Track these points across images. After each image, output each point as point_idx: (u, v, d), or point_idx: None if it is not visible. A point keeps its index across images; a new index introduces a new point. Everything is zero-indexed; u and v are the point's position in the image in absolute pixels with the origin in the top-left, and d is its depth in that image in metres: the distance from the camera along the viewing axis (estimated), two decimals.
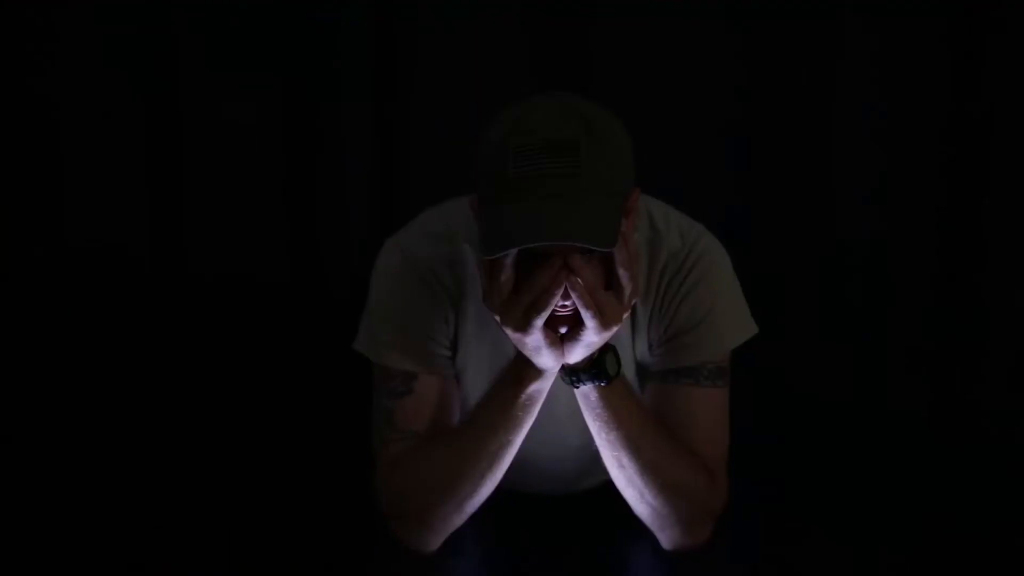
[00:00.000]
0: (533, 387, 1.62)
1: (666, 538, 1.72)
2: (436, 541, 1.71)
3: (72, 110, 2.30)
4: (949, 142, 2.29)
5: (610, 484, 1.72)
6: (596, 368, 1.60)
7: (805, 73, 2.29)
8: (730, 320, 1.72)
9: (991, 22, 2.25)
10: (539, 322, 1.52)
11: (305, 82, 2.31)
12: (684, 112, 2.31)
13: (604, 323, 1.53)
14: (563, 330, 1.56)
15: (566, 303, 1.53)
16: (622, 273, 1.53)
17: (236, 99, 2.29)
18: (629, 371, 1.74)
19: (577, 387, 1.63)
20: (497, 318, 1.54)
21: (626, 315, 1.56)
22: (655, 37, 2.30)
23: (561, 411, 1.74)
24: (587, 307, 1.51)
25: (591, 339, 1.55)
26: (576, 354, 1.57)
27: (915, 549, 2.36)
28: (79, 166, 2.31)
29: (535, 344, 1.55)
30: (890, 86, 2.29)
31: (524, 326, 1.52)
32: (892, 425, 2.37)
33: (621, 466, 1.66)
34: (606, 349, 1.60)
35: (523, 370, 1.61)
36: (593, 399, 1.63)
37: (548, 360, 1.58)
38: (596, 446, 1.68)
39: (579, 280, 1.50)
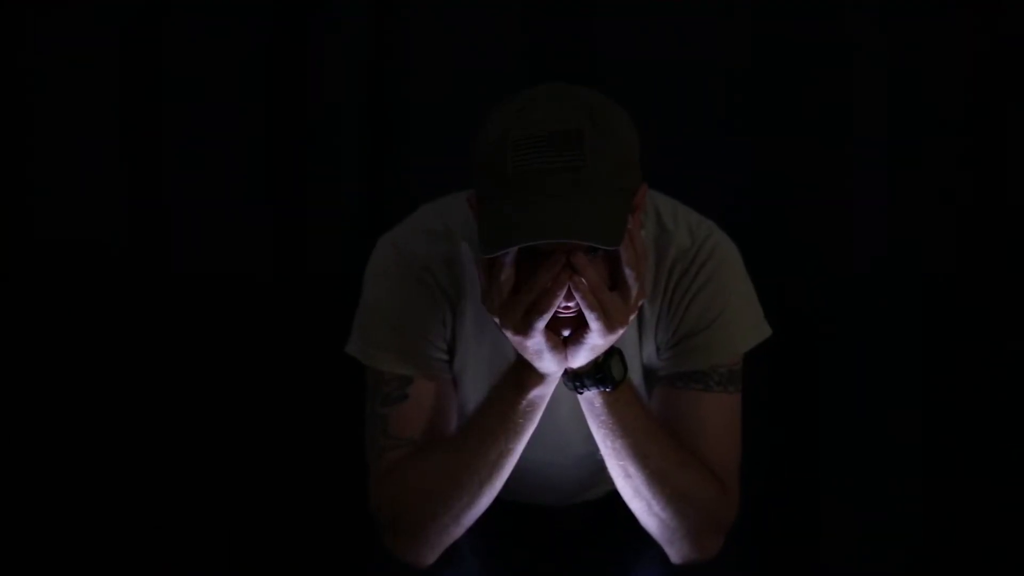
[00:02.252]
0: (534, 392, 1.58)
1: (675, 551, 1.68)
2: (432, 554, 1.67)
3: (46, 99, 2.27)
4: (968, 142, 2.28)
5: (615, 495, 1.68)
6: (601, 372, 1.55)
7: (818, 67, 2.28)
8: (742, 321, 1.68)
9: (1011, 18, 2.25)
10: (540, 324, 1.48)
11: (294, 71, 2.28)
12: (691, 106, 2.29)
13: (609, 325, 1.49)
14: (566, 332, 1.52)
15: (569, 304, 1.49)
16: (628, 272, 1.49)
17: (220, 88, 2.27)
18: (635, 376, 1.70)
19: (581, 392, 1.58)
20: (496, 320, 1.50)
21: (632, 317, 1.52)
22: (661, 26, 2.29)
23: (564, 418, 1.71)
24: (591, 308, 1.47)
25: (595, 342, 1.51)
26: (580, 358, 1.53)
27: (931, 562, 2.34)
28: (53, 158, 2.29)
29: (536, 347, 1.51)
30: (907, 79, 2.27)
31: (525, 328, 1.48)
32: (907, 432, 2.33)
33: (627, 476, 1.62)
34: (611, 353, 1.55)
35: (524, 375, 1.56)
36: (598, 405, 1.58)
37: (550, 364, 1.54)
38: (600, 454, 1.63)
39: (583, 280, 1.46)
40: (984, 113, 2.27)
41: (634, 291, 1.50)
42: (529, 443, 1.62)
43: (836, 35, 2.26)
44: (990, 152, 2.28)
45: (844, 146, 2.29)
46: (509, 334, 1.50)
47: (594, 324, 1.48)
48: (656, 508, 1.63)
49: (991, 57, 2.25)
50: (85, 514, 2.31)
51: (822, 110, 2.27)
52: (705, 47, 2.26)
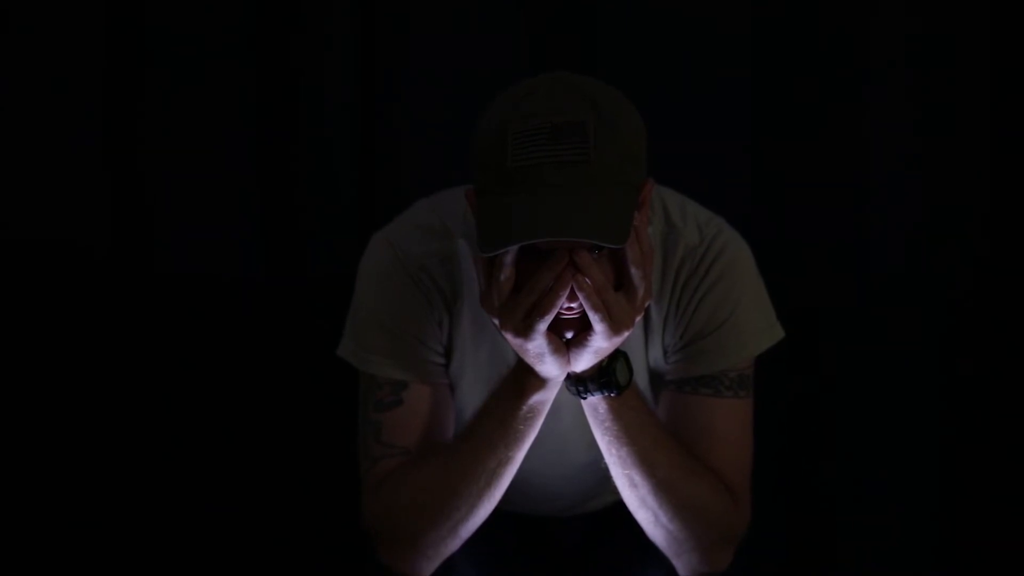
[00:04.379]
0: (535, 398, 1.54)
1: (683, 564, 1.65)
2: (428, 568, 1.64)
3: (25, 94, 2.24)
4: (991, 141, 2.27)
5: (621, 505, 1.64)
6: (605, 377, 1.52)
7: (832, 57, 2.26)
8: (754, 323, 1.64)
9: None
10: (542, 326, 1.44)
11: (282, 61, 2.26)
12: (700, 97, 2.27)
13: (614, 327, 1.45)
14: (569, 335, 1.48)
15: (572, 305, 1.45)
16: (634, 272, 1.45)
17: (205, 80, 2.24)
18: (642, 380, 1.67)
19: (584, 398, 1.55)
20: (496, 321, 1.47)
21: (638, 318, 1.48)
22: (665, 19, 2.27)
23: (566, 425, 1.68)
24: (595, 309, 1.43)
25: (600, 345, 1.47)
26: (583, 361, 1.49)
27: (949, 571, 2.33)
28: (28, 153, 2.26)
29: (538, 350, 1.47)
30: (928, 67, 2.26)
31: (526, 330, 1.45)
32: (927, 440, 2.31)
33: (633, 485, 1.58)
34: (616, 356, 1.53)
35: (524, 379, 1.53)
36: (602, 411, 1.55)
37: (552, 368, 1.50)
38: (605, 463, 1.60)
39: (587, 280, 1.42)
40: (1004, 110, 2.26)
41: (640, 291, 1.46)
42: (530, 451, 1.59)
43: (847, 27, 2.25)
44: (1010, 148, 2.27)
45: (857, 140, 2.27)
46: (509, 336, 1.46)
47: (598, 326, 1.45)
48: (663, 519, 1.60)
49: (1009, 49, 2.25)
50: (60, 522, 2.29)
51: (847, 102, 2.27)
52: (716, 35, 2.26)
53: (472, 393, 1.67)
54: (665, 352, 1.67)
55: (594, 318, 1.44)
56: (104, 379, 2.28)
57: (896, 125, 2.26)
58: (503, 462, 1.56)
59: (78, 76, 2.24)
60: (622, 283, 1.46)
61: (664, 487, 1.57)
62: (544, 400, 1.55)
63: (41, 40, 2.22)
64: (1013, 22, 2.23)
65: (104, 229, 2.27)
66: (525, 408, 1.54)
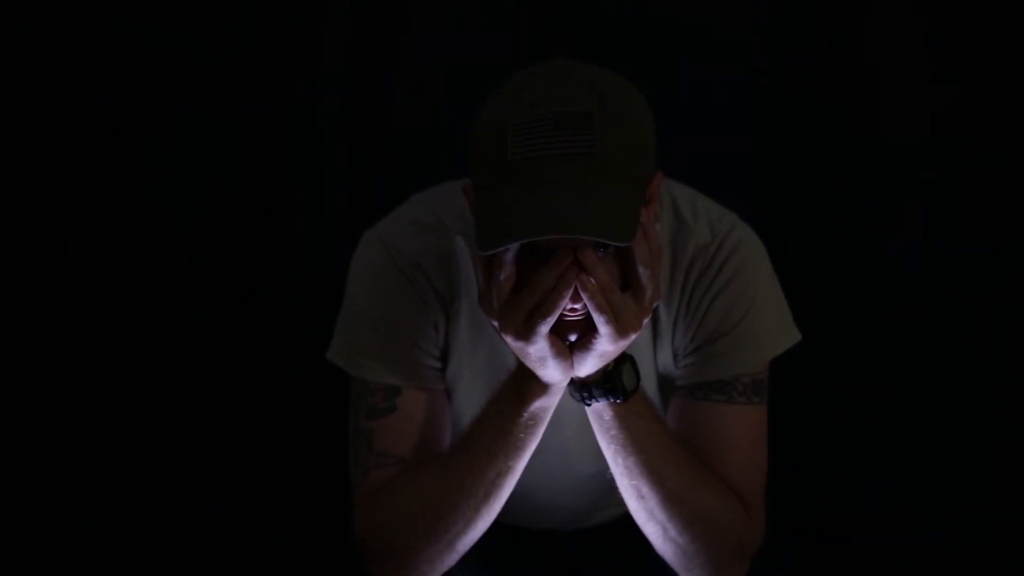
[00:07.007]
0: (537, 404, 1.51)
1: None
2: None
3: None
4: (994, 140, 2.26)
5: (627, 518, 1.61)
6: (611, 382, 1.49)
7: (846, 46, 2.26)
8: (768, 325, 1.61)
9: None
10: (544, 328, 1.41)
11: (271, 53, 2.26)
12: (699, 97, 2.27)
13: (620, 329, 1.41)
14: (572, 338, 1.45)
15: (576, 306, 1.41)
16: (642, 271, 1.42)
17: (204, 79, 2.25)
18: (650, 385, 1.64)
19: (588, 404, 1.51)
20: (495, 323, 1.43)
21: (646, 320, 1.45)
22: (667, 14, 2.28)
23: (570, 433, 1.64)
24: (600, 311, 1.40)
25: (605, 348, 1.43)
26: (587, 366, 1.46)
27: None
28: (6, 147, 2.25)
29: (540, 354, 1.44)
30: (928, 67, 2.25)
31: (527, 333, 1.41)
32: (945, 447, 2.30)
33: (640, 496, 1.55)
34: (622, 360, 1.49)
35: (525, 384, 1.49)
36: (607, 418, 1.52)
37: (555, 373, 1.46)
38: (610, 473, 1.57)
39: (591, 279, 1.38)
40: (1006, 108, 2.25)
41: (648, 292, 1.43)
42: (531, 461, 1.56)
43: (847, 27, 2.25)
44: (1012, 147, 2.26)
45: (856, 139, 2.27)
46: (509, 339, 1.43)
47: (603, 328, 1.41)
48: (673, 532, 1.56)
49: (1010, 48, 2.24)
50: (31, 529, 2.28)
51: (862, 95, 2.26)
52: (724, 22, 2.26)
53: (470, 399, 1.63)
54: (675, 356, 1.63)
55: (599, 320, 1.40)
56: (84, 379, 2.28)
57: (897, 125, 2.26)
58: (503, 472, 1.53)
59: (56, 69, 2.23)
60: (629, 283, 1.42)
61: (673, 499, 1.53)
62: (546, 407, 1.51)
63: (29, 34, 2.21)
64: (1013, 22, 2.22)
65: (80, 226, 2.26)
66: (526, 415, 1.50)
